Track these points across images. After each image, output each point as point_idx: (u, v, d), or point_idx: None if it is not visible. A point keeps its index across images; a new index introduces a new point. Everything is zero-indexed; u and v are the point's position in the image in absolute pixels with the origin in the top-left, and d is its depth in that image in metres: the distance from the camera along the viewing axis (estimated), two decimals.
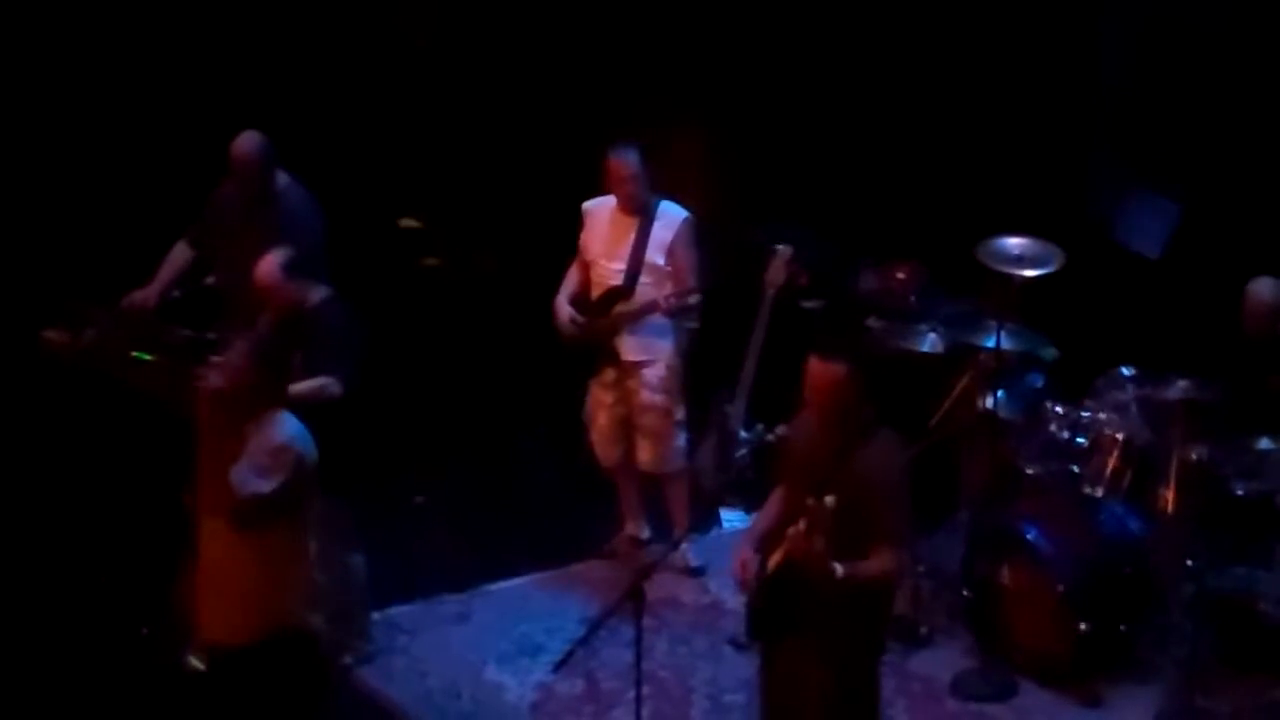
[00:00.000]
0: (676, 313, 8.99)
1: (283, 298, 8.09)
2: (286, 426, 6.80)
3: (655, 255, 8.95)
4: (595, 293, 9.08)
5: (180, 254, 8.97)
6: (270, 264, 8.13)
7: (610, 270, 9.02)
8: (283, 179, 8.84)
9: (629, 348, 9.05)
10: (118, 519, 8.91)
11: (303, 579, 6.93)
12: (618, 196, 8.97)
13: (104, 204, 10.02)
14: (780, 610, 6.64)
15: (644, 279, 8.96)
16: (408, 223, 10.44)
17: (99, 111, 10.10)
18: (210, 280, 8.95)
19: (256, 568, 6.75)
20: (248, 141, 8.72)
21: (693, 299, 8.97)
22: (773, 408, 9.57)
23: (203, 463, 6.83)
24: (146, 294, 8.84)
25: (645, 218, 8.96)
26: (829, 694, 6.61)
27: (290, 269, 8.12)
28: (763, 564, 6.67)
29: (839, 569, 6.34)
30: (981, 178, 10.11)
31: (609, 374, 9.13)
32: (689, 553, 9.29)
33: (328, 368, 8.00)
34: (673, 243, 8.95)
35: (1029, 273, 8.72)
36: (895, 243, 9.86)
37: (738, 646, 8.39)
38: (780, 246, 9.22)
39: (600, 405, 9.23)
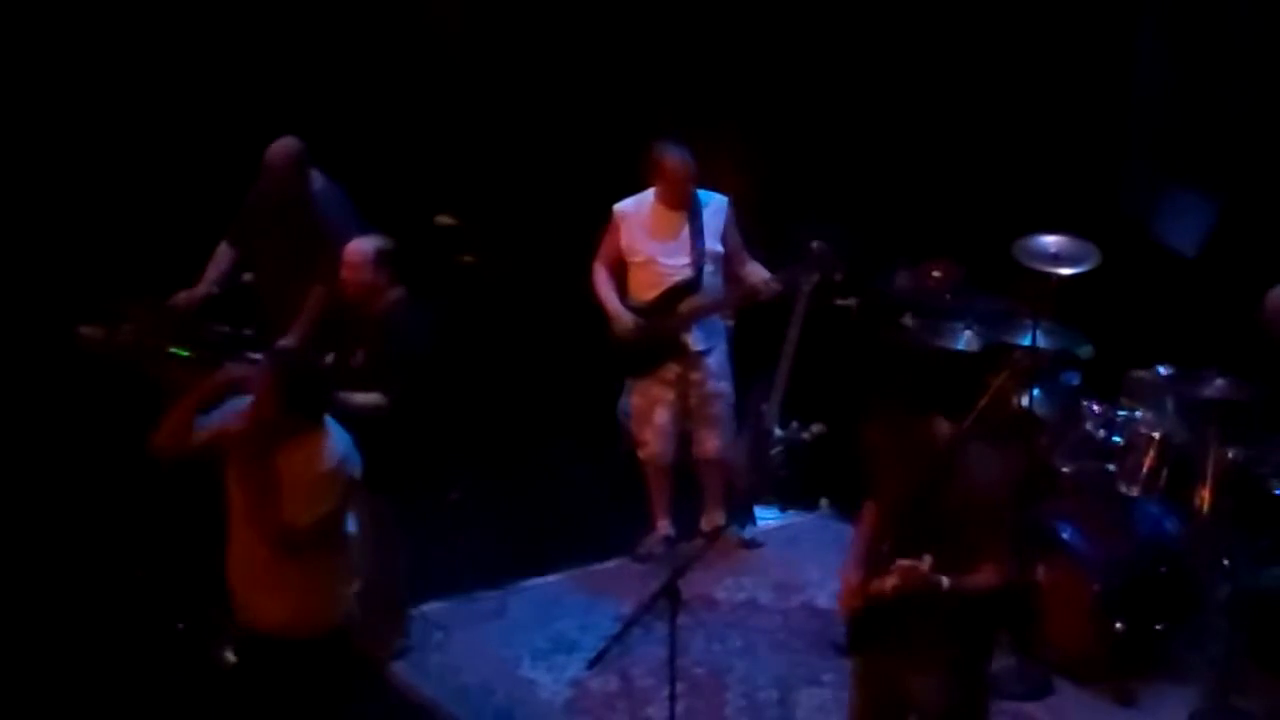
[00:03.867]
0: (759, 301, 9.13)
1: (364, 284, 8.06)
2: (332, 448, 6.74)
3: (713, 243, 9.00)
4: (652, 292, 9.04)
5: (224, 254, 9.01)
6: (361, 247, 8.10)
7: (671, 266, 9.00)
8: (318, 180, 8.88)
9: (695, 338, 9.07)
10: (153, 514, 8.95)
11: (342, 582, 6.94)
12: (670, 194, 8.95)
13: (146, 201, 10.06)
14: (883, 624, 6.61)
15: (707, 268, 9.00)
16: (443, 220, 10.45)
17: (142, 113, 10.15)
18: (247, 277, 8.99)
19: (296, 577, 6.75)
20: (281, 148, 8.76)
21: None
22: (807, 405, 9.62)
23: (240, 480, 6.77)
24: (191, 294, 8.88)
25: (692, 209, 8.98)
26: (938, 699, 6.61)
27: (382, 259, 8.08)
28: (865, 584, 6.63)
29: (944, 581, 6.38)
30: (1017, 175, 10.09)
31: (671, 370, 9.11)
32: (739, 531, 9.40)
33: (386, 377, 7.94)
34: (725, 227, 9.03)
35: (1065, 271, 8.70)
36: (931, 240, 9.85)
37: (839, 650, 8.01)
38: (816, 244, 9.23)
39: (659, 402, 9.18)
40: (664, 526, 9.43)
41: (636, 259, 9.07)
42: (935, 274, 9.54)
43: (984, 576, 6.47)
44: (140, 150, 10.12)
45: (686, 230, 8.98)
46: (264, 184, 8.85)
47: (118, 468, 9.14)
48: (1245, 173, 9.68)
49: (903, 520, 6.56)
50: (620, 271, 9.14)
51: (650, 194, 9.06)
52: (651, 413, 9.23)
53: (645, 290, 9.08)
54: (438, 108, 10.93)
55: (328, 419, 6.83)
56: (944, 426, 6.57)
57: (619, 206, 9.12)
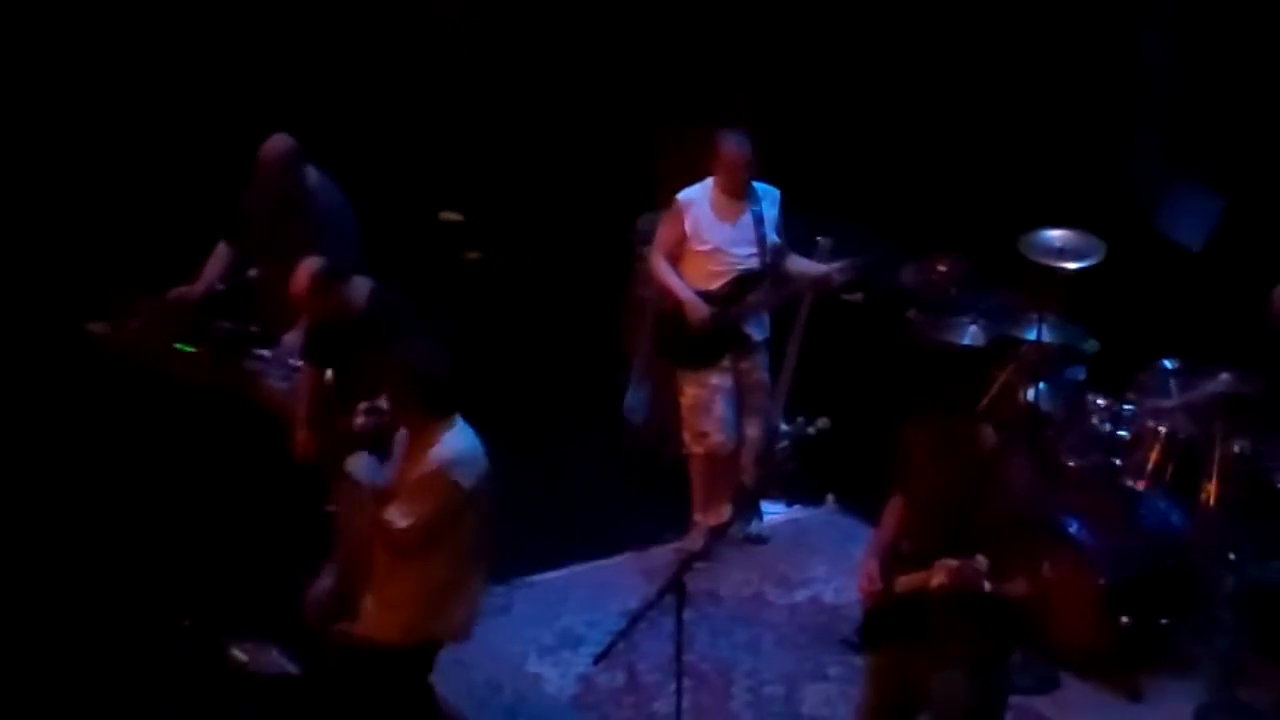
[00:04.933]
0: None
1: (324, 308, 8.05)
2: (445, 449, 6.72)
3: (772, 234, 9.02)
4: (717, 281, 9.00)
5: (223, 251, 9.03)
6: (300, 278, 8.09)
7: (738, 256, 8.98)
8: (314, 177, 8.87)
9: (756, 328, 9.11)
10: (160, 510, 8.96)
11: (460, 596, 6.96)
12: (730, 182, 8.93)
13: (150, 199, 10.07)
14: (907, 620, 6.64)
15: (769, 258, 9.02)
16: (449, 216, 10.46)
17: (142, 112, 10.16)
18: (253, 274, 9.00)
19: (408, 588, 6.77)
20: (274, 146, 8.76)
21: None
22: (813, 400, 9.62)
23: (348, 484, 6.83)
24: (191, 288, 8.90)
25: (751, 199, 8.99)
26: (957, 698, 6.63)
27: (324, 278, 8.05)
28: (887, 577, 6.66)
29: (986, 584, 6.44)
30: (1023, 170, 10.09)
31: (728, 360, 9.11)
32: (744, 527, 9.36)
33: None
34: (779, 217, 9.05)
35: (1071, 265, 8.71)
36: (937, 235, 9.85)
37: (851, 646, 8.14)
38: (821, 239, 9.23)
39: (719, 392, 9.13)
40: (714, 518, 9.29)
41: (703, 247, 9.02)
42: (941, 268, 9.54)
43: (1020, 585, 6.53)
44: (141, 149, 10.12)
45: (749, 219, 8.97)
46: (259, 182, 8.85)
47: (124, 463, 9.17)
48: (1252, 167, 9.68)
49: (936, 521, 6.59)
50: (674, 260, 9.10)
51: (710, 183, 9.02)
52: (712, 404, 9.15)
53: (709, 279, 9.03)
54: (442, 104, 10.93)
55: (460, 421, 6.79)
56: (990, 433, 6.65)
57: (682, 195, 9.05)
